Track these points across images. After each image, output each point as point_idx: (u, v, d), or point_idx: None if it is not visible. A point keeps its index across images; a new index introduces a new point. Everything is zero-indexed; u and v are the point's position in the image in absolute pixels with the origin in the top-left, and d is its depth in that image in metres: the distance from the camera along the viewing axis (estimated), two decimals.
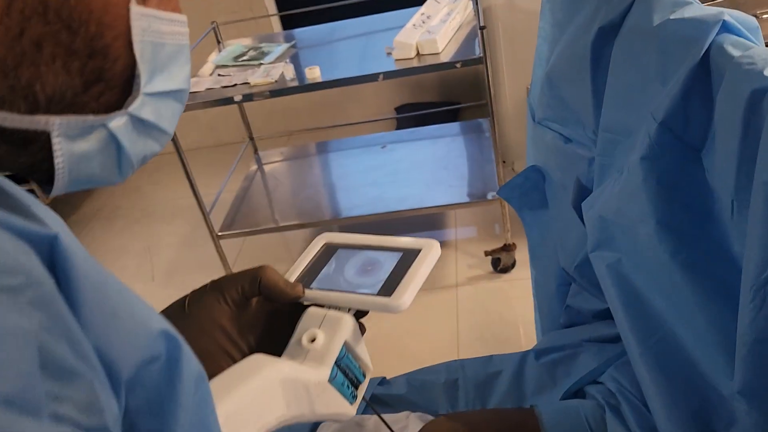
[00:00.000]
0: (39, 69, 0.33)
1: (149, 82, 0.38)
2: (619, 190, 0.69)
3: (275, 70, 1.83)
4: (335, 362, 0.51)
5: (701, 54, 0.58)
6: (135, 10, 0.36)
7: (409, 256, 0.56)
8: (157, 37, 0.38)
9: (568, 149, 0.92)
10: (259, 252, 2.30)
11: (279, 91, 1.76)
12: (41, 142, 0.35)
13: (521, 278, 1.94)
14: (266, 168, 2.36)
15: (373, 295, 0.54)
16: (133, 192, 2.88)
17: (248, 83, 1.80)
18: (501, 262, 1.96)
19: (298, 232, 2.29)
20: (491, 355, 0.95)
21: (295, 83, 1.77)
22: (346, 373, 0.53)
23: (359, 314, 0.56)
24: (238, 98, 1.77)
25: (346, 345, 0.52)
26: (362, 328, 0.55)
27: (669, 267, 0.63)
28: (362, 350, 0.55)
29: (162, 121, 0.40)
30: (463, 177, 2.06)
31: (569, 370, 0.86)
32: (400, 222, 2.24)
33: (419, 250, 0.57)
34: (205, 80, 1.89)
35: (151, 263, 2.40)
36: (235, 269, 2.17)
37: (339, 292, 0.55)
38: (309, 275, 0.58)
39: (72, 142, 0.36)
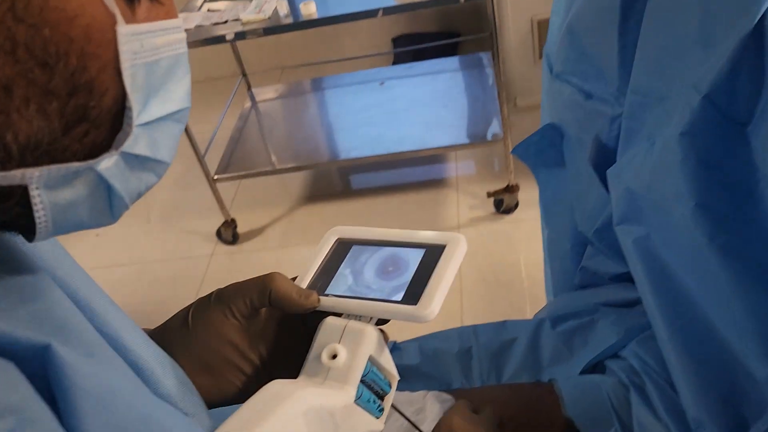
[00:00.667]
0: (9, 117, 0.28)
1: (143, 111, 0.33)
2: (653, 165, 0.64)
3: (268, 5, 1.73)
4: (360, 380, 0.47)
5: (755, 21, 0.53)
6: (123, 31, 0.30)
7: (432, 254, 0.51)
8: (151, 54, 0.32)
9: (588, 105, 0.86)
10: (256, 194, 2.25)
11: (272, 29, 1.67)
12: (18, 196, 0.30)
13: (524, 219, 1.92)
14: (260, 106, 2.28)
15: (397, 302, 0.49)
16: None
17: (240, 20, 1.71)
18: (504, 204, 1.92)
19: (295, 175, 2.24)
20: (504, 321, 0.92)
21: (290, 20, 1.68)
22: (372, 387, 0.49)
23: (381, 320, 0.51)
24: (230, 36, 1.68)
25: (370, 359, 0.48)
26: (385, 336, 0.51)
27: (705, 250, 0.59)
28: (387, 359, 0.50)
29: (159, 152, 0.35)
30: (464, 116, 2.00)
31: (587, 339, 0.83)
32: (399, 162, 2.19)
33: (443, 247, 0.51)
34: (195, 16, 1.79)
35: (145, 205, 2.35)
36: (233, 212, 2.14)
37: (358, 299, 0.50)
38: (323, 279, 0.53)
39: (54, 192, 0.31)
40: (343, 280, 0.53)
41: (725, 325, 0.61)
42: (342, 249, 0.55)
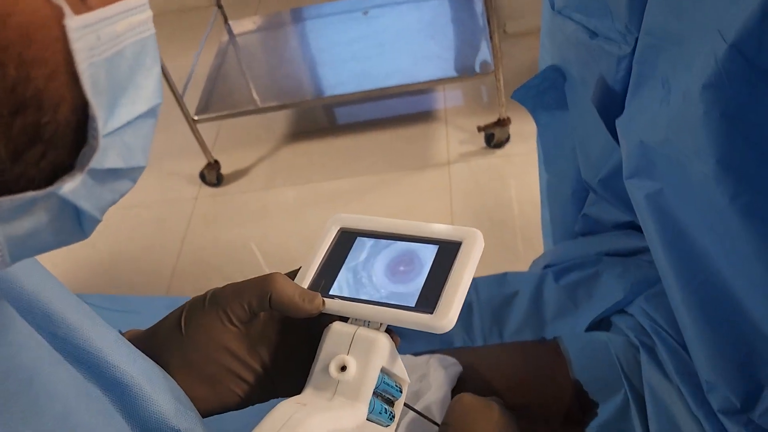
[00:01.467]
0: None
1: (110, 118, 0.27)
2: (670, 118, 0.60)
3: None
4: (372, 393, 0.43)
5: None
6: (73, 24, 0.24)
7: (447, 253, 0.46)
8: (112, 45, 0.26)
9: (593, 45, 0.81)
10: (239, 134, 2.18)
11: None
12: None
13: (516, 154, 1.87)
14: (239, 40, 2.18)
15: (410, 309, 0.44)
16: None
17: None
18: (495, 138, 1.87)
19: (279, 113, 2.16)
20: (505, 273, 0.89)
21: None
22: (383, 396, 0.46)
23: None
24: None
25: (382, 370, 0.44)
26: (395, 340, 0.46)
27: (725, 210, 0.56)
28: (398, 366, 0.46)
29: (134, 158, 0.29)
30: (452, 46, 1.92)
31: (591, 292, 0.81)
32: (386, 96, 2.11)
33: (459, 244, 0.46)
34: None
35: None
36: (216, 153, 2.07)
37: (367, 303, 0.45)
38: (326, 277, 0.48)
39: (8, 224, 0.26)
40: (348, 279, 0.48)
41: (743, 287, 0.58)
42: (345, 241, 0.50)
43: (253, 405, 0.46)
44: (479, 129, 1.87)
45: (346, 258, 0.49)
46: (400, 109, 2.13)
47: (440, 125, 2.02)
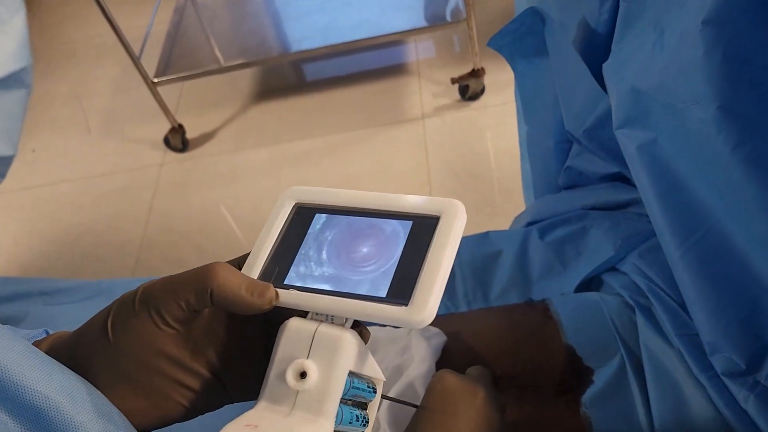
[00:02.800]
0: None
1: None
2: (665, 61, 0.54)
3: None
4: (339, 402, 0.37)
5: None
6: None
7: (423, 230, 0.39)
8: None
9: None
10: (203, 95, 2.08)
11: None
12: None
13: (491, 105, 1.81)
14: None
15: (381, 300, 0.37)
16: (48, 30, 2.54)
17: None
18: (469, 89, 1.81)
19: (244, 71, 2.07)
20: (487, 232, 0.85)
21: None
22: (354, 401, 0.40)
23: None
24: None
25: (350, 374, 0.37)
26: (365, 335, 0.40)
27: (727, 159, 0.51)
28: (370, 365, 0.40)
29: None
30: None
31: (579, 248, 0.77)
32: (355, 50, 2.03)
33: (437, 219, 0.39)
34: None
35: (83, 112, 2.17)
36: (180, 117, 1.98)
37: (329, 294, 0.38)
38: (281, 264, 0.41)
39: None
40: (306, 265, 0.41)
41: (746, 241, 0.54)
42: (302, 219, 0.43)
43: (202, 414, 0.40)
44: (453, 81, 1.81)
45: (304, 240, 0.42)
46: (370, 63, 2.05)
47: (412, 78, 1.95)
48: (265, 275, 0.41)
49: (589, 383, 0.62)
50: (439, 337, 0.67)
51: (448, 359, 0.66)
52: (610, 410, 0.60)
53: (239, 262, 0.42)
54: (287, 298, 0.39)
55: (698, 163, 0.55)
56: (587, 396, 0.60)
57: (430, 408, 0.50)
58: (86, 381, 0.36)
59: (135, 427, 0.37)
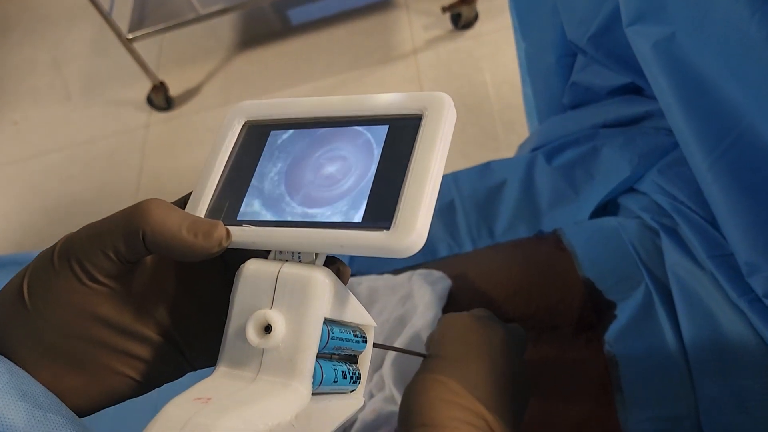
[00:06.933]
0: None
1: None
2: None
3: None
4: (316, 358, 0.29)
5: None
6: None
7: (403, 133, 0.31)
8: None
9: None
10: (183, 49, 1.99)
11: None
12: None
13: (487, 32, 1.71)
14: None
15: (356, 227, 0.30)
16: None
17: None
18: (462, 17, 1.70)
19: (224, 19, 1.96)
20: (488, 162, 0.77)
21: None
22: (339, 356, 0.33)
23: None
24: None
25: (326, 323, 0.30)
26: (342, 273, 0.33)
27: (763, 48, 0.43)
28: (353, 308, 0.32)
29: None
30: None
31: (591, 171, 0.69)
32: None
33: (419, 118, 0.31)
34: None
35: (63, 78, 2.08)
36: (161, 74, 1.89)
37: (293, 226, 0.31)
38: (231, 195, 0.33)
39: None
40: (263, 195, 0.33)
41: None
42: (255, 139, 0.35)
43: (159, 386, 0.34)
44: (443, 10, 1.70)
45: (258, 164, 0.34)
46: (355, 1, 1.94)
47: (400, 11, 1.84)
48: (213, 212, 0.33)
49: (611, 319, 0.55)
50: (444, 282, 0.60)
51: (454, 305, 0.60)
52: (638, 346, 0.54)
53: (184, 201, 0.35)
54: (241, 236, 0.31)
55: (726, 56, 0.47)
56: (610, 333, 0.54)
57: (443, 356, 0.43)
58: (4, 359, 0.29)
59: (75, 409, 0.31)
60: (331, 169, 0.32)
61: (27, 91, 2.08)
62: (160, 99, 1.81)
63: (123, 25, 1.69)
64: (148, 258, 0.33)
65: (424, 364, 0.44)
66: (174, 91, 1.86)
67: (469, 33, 1.73)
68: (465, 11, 1.69)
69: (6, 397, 0.26)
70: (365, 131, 0.33)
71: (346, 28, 1.87)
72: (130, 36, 1.69)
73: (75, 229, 0.31)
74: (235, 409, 0.26)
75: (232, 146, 0.35)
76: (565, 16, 0.72)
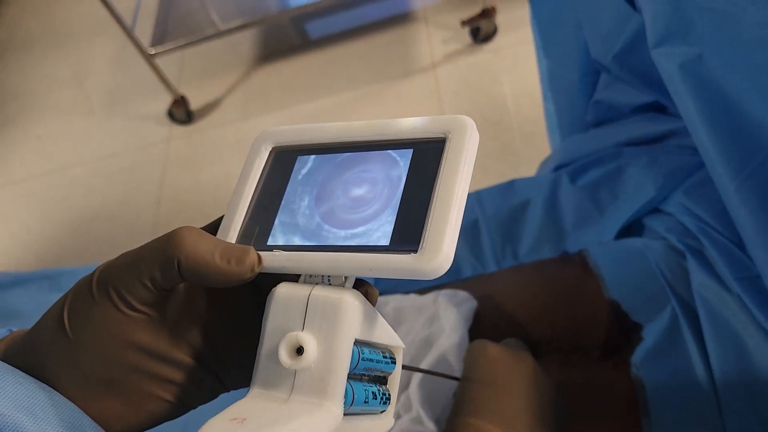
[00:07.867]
0: None
1: None
2: None
3: None
4: (347, 379, 0.30)
5: None
6: None
7: (427, 157, 0.32)
8: None
9: None
10: (204, 63, 2.00)
11: None
12: None
13: (506, 46, 1.71)
14: None
15: (384, 250, 0.30)
16: (41, 11, 2.47)
17: None
18: (481, 31, 1.71)
19: (244, 34, 1.98)
20: (512, 180, 0.77)
21: None
22: (369, 377, 0.33)
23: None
24: None
25: (357, 344, 0.30)
26: (371, 296, 0.33)
27: None
28: (382, 329, 0.33)
29: None
30: None
31: (615, 191, 0.69)
32: (357, 1, 1.93)
33: (443, 141, 0.32)
34: None
35: (85, 93, 2.11)
36: (182, 88, 1.91)
37: (322, 251, 0.32)
38: (261, 221, 0.34)
39: None
40: (291, 219, 0.34)
41: None
42: (282, 165, 0.36)
43: (194, 408, 0.34)
44: (463, 24, 1.71)
45: (286, 190, 0.35)
46: (374, 14, 1.95)
47: (419, 25, 1.85)
48: (244, 237, 0.34)
49: (638, 341, 0.54)
50: (470, 303, 0.60)
51: (480, 326, 0.60)
52: (664, 369, 0.53)
53: (215, 226, 0.36)
54: (272, 261, 0.32)
55: (755, 76, 0.47)
56: (637, 356, 0.53)
57: (478, 380, 0.43)
58: (48, 388, 0.30)
59: None
60: (358, 192, 0.33)
61: (50, 106, 2.11)
62: (181, 113, 1.83)
63: (145, 40, 1.71)
64: (182, 284, 0.33)
65: (457, 407, 0.44)
66: (194, 104, 1.87)
67: (489, 47, 1.73)
68: (484, 25, 1.69)
69: (53, 427, 0.27)
70: (390, 155, 0.33)
71: (365, 42, 1.88)
72: (152, 51, 1.71)
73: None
74: (270, 429, 0.26)
75: (260, 172, 0.36)
76: (589, 34, 0.72)
